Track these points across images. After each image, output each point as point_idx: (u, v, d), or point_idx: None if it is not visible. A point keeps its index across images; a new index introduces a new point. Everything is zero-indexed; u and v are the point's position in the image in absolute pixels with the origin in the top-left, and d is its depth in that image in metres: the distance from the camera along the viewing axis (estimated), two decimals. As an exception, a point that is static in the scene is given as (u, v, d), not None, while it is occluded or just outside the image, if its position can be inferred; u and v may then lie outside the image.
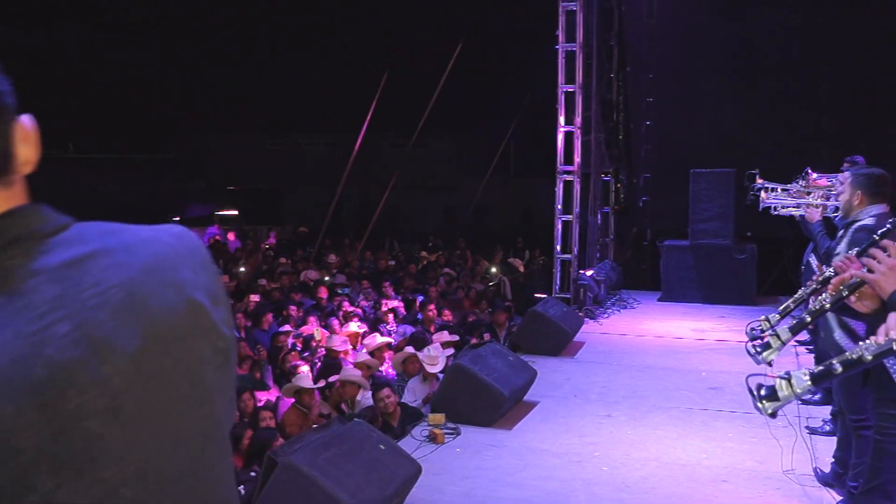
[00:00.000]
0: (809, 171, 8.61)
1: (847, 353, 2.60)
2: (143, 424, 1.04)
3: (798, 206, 7.13)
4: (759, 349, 3.15)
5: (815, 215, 6.47)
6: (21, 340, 0.97)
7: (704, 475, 5.75)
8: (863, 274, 2.86)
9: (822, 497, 5.27)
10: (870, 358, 2.56)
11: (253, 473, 6.00)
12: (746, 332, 3.41)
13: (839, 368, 2.60)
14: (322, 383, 8.20)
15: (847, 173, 4.95)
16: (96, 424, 1.00)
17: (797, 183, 8.07)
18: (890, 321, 2.68)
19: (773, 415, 2.62)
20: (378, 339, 9.72)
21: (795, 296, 3.43)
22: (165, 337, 1.08)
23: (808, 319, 3.08)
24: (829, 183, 7.27)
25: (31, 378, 0.96)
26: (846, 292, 2.95)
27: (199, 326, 1.13)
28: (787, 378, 2.63)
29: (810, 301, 3.29)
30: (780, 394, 2.63)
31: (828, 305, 3.00)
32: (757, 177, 9.66)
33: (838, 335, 3.94)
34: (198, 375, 1.12)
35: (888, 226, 4.53)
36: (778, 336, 3.11)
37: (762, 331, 3.34)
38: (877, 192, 4.69)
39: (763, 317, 3.38)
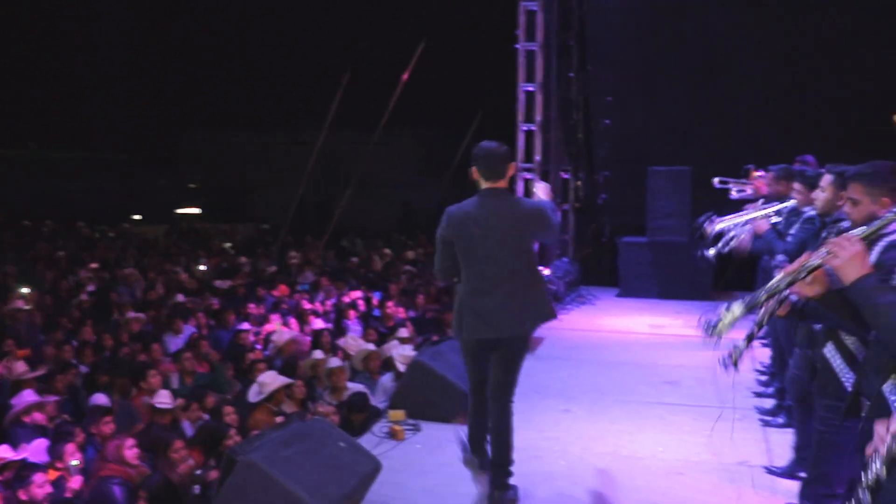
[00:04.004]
0: (752, 167, 8.88)
1: (769, 284, 2.96)
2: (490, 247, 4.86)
3: (746, 223, 7.18)
4: (713, 322, 3.24)
5: (764, 225, 6.52)
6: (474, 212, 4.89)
7: (660, 468, 5.85)
8: (827, 258, 2.92)
9: (776, 487, 5.39)
10: (783, 286, 3.11)
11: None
12: (702, 324, 3.43)
13: (763, 296, 3.16)
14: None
15: (827, 175, 5.04)
16: (479, 241, 4.85)
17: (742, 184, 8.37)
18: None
19: (720, 336, 3.18)
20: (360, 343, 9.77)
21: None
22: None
23: (763, 297, 3.15)
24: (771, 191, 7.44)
25: (480, 218, 4.86)
26: (804, 274, 3.03)
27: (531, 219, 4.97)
28: (729, 307, 3.15)
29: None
30: (725, 320, 3.03)
31: (783, 286, 3.08)
32: (716, 182, 9.90)
33: (829, 351, 3.92)
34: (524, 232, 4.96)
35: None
36: (732, 311, 3.19)
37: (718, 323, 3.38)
38: None
39: (727, 305, 3.40)
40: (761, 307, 3.27)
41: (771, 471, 5.63)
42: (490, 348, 5.11)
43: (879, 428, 2.36)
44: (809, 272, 3.03)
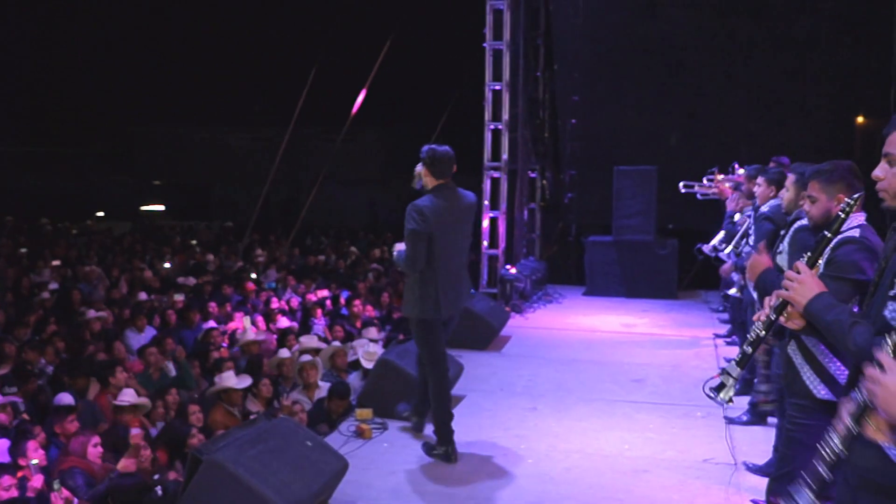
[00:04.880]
0: (716, 170, 9.03)
1: (749, 335, 2.98)
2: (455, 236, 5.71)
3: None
4: (714, 392, 3.28)
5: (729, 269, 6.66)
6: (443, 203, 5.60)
7: (626, 465, 5.88)
8: (780, 293, 3.01)
9: (742, 484, 5.44)
10: (763, 333, 3.14)
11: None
12: (706, 392, 3.43)
13: (749, 350, 3.21)
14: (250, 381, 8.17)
15: (791, 175, 5.11)
16: (448, 231, 5.63)
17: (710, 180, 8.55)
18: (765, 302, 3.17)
19: (732, 400, 3.28)
20: (314, 341, 9.70)
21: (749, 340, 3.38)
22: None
23: (750, 351, 3.19)
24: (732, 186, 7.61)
25: (448, 210, 5.62)
26: (774, 315, 3.10)
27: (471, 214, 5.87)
28: (725, 371, 3.26)
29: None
30: (727, 383, 3.08)
31: (763, 333, 3.13)
32: (681, 187, 10.03)
33: (792, 349, 3.91)
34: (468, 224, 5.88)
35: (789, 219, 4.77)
36: (729, 374, 3.24)
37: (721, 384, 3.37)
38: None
39: (722, 370, 3.40)
40: (752, 359, 3.32)
41: (748, 468, 5.67)
42: (443, 324, 5.88)
43: (843, 408, 2.50)
44: (779, 313, 3.10)
